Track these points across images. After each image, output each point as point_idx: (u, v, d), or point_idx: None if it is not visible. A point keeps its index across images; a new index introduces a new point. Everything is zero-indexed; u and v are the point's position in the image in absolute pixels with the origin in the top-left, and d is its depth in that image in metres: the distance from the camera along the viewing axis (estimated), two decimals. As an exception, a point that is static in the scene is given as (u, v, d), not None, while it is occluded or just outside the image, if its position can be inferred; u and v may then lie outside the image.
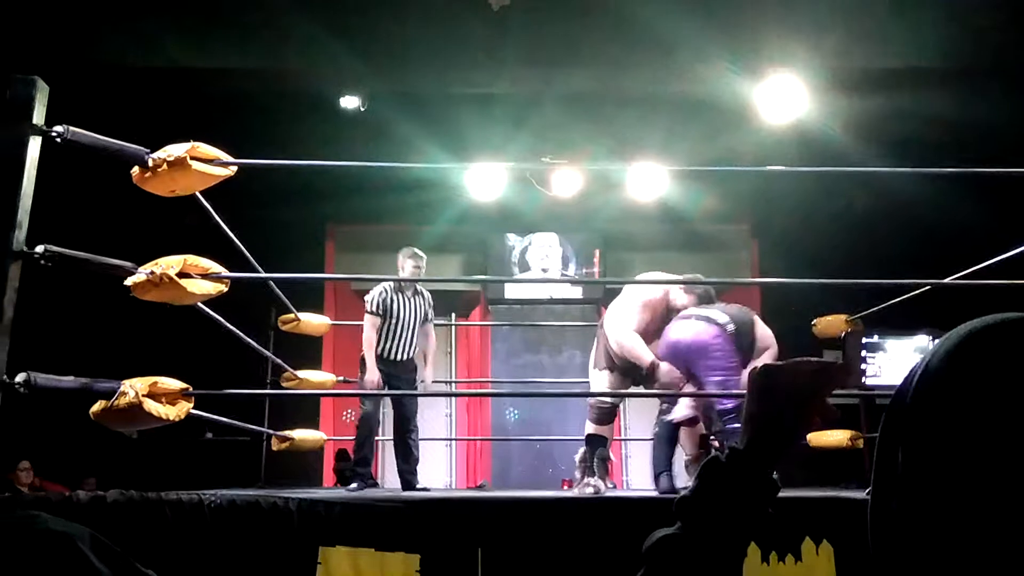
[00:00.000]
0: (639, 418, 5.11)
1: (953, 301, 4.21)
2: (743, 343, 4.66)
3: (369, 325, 5.52)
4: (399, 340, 5.58)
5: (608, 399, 4.87)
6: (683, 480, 4.83)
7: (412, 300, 5.63)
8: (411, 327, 5.61)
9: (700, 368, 4.60)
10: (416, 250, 5.64)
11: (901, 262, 5.78)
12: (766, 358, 4.63)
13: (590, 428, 4.90)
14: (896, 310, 5.10)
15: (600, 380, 4.95)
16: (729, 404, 4.46)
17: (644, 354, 4.72)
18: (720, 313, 4.71)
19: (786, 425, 0.96)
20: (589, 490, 4.61)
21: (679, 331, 4.69)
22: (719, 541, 0.93)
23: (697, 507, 0.95)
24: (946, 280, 4.59)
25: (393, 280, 5.64)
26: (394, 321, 5.55)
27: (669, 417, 4.81)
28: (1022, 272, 4.05)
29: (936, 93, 6.33)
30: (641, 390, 4.99)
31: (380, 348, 5.52)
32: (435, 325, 5.93)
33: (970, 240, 4.87)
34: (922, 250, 6.58)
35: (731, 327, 4.64)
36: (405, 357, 5.61)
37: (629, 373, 4.85)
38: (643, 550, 0.96)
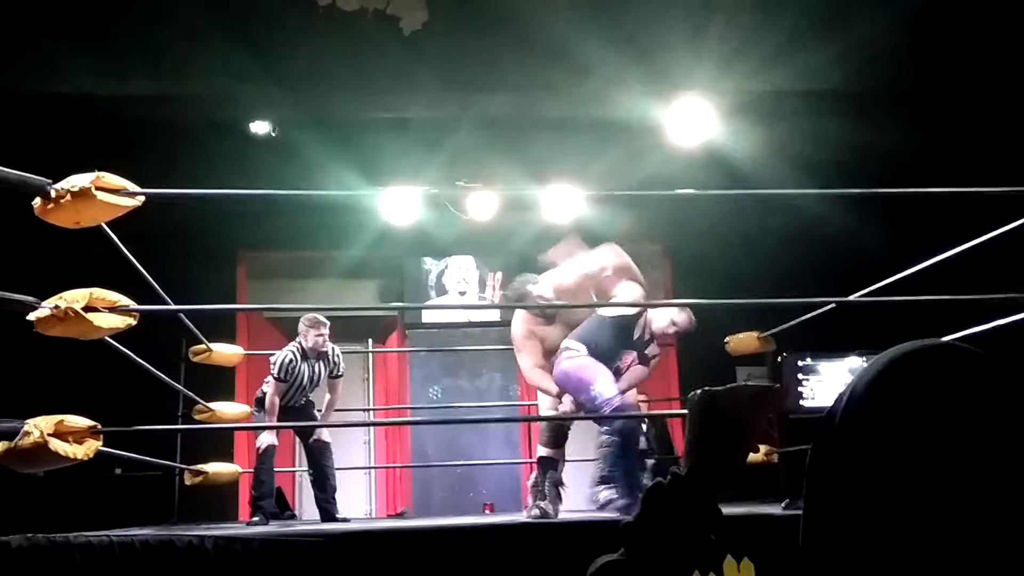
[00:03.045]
0: (572, 440, 5.09)
1: (876, 321, 4.36)
2: (606, 352, 4.78)
3: (273, 390, 5.54)
4: (298, 393, 5.68)
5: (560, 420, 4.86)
6: None
7: (315, 365, 5.68)
8: (313, 387, 5.74)
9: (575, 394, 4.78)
10: (319, 317, 5.63)
11: (810, 281, 5.93)
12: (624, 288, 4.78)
13: (542, 451, 4.85)
14: (825, 332, 5.22)
15: (544, 402, 5.00)
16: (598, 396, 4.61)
17: (549, 387, 4.85)
18: (576, 343, 4.82)
19: (727, 450, 0.97)
20: (536, 512, 4.58)
21: (559, 365, 4.82)
22: (663, 567, 0.93)
23: (640, 533, 0.95)
24: (850, 298, 4.74)
25: (299, 347, 5.64)
26: (296, 384, 5.62)
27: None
28: (923, 287, 4.22)
29: (839, 116, 6.55)
30: (554, 413, 4.97)
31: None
32: (352, 352, 5.90)
33: (875, 258, 5.03)
34: (830, 269, 6.78)
35: (585, 350, 4.77)
36: (304, 403, 5.76)
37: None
38: (586, 577, 0.95)
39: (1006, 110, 6.44)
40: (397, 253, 8.62)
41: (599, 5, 6.24)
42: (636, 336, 4.84)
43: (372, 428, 8.55)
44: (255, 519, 5.39)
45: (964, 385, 0.77)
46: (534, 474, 4.86)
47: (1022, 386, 0.76)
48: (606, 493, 4.57)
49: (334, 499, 5.64)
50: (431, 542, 3.39)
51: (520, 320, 4.99)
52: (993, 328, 3.80)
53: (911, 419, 0.76)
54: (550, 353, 4.89)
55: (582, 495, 4.81)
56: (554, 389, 4.81)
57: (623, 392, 4.84)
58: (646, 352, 4.92)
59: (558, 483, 4.74)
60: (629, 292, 4.76)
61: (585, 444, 5.73)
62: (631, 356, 4.87)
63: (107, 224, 3.37)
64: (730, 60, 6.27)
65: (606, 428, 4.73)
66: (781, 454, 5.30)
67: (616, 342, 4.80)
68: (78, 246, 4.41)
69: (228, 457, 6.62)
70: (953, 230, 4.07)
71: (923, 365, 0.79)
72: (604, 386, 4.62)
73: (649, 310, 4.85)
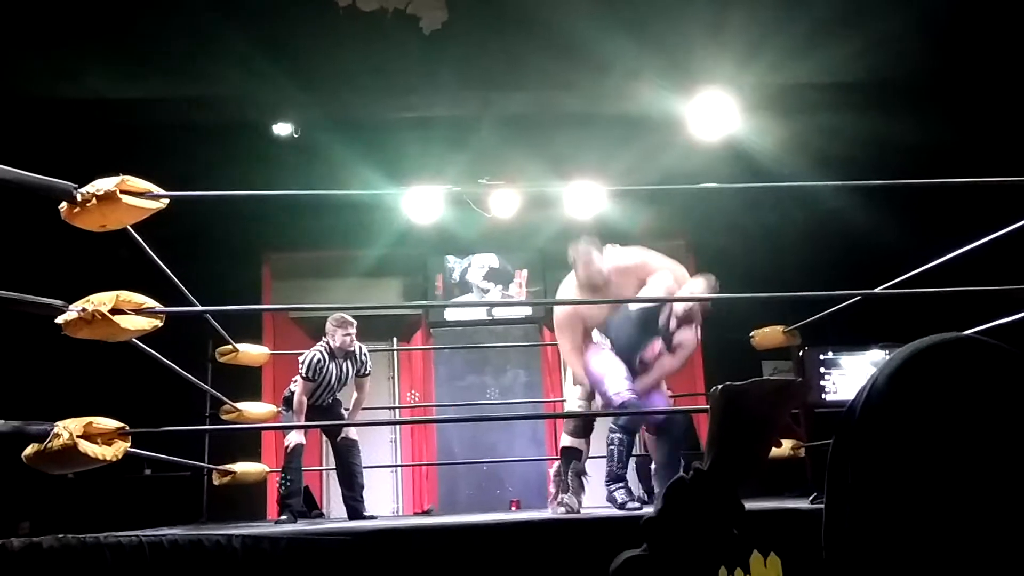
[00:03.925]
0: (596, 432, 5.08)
1: (898, 314, 4.32)
2: (627, 345, 4.77)
3: (301, 389, 5.56)
4: (327, 392, 5.70)
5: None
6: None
7: (343, 364, 5.70)
8: (341, 386, 5.75)
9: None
10: (346, 316, 5.65)
11: (830, 274, 5.89)
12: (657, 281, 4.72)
13: (565, 440, 4.82)
14: (846, 326, 5.18)
15: (573, 394, 5.00)
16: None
17: (582, 375, 4.86)
18: (602, 336, 4.85)
19: (750, 444, 0.97)
20: (562, 509, 4.57)
21: (586, 357, 4.82)
22: (686, 562, 0.93)
23: (663, 528, 0.95)
24: (876, 290, 4.70)
25: (326, 346, 5.67)
26: (324, 383, 5.64)
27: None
28: (945, 280, 4.17)
29: (859, 110, 6.51)
30: (582, 409, 4.97)
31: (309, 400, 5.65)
32: (377, 350, 5.92)
33: (895, 252, 4.99)
34: (850, 262, 6.72)
35: (608, 345, 4.80)
36: (331, 402, 5.77)
37: None
38: (610, 572, 0.96)
39: (1025, 104, 6.38)
40: (420, 251, 8.64)
41: (618, 1, 6.23)
42: (661, 323, 4.81)
43: (398, 426, 8.58)
44: (283, 518, 5.43)
45: (985, 379, 0.77)
46: (557, 463, 4.85)
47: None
48: (620, 494, 4.55)
49: (361, 497, 5.67)
50: (457, 539, 3.39)
51: (569, 287, 4.92)
52: (1017, 320, 3.76)
53: (932, 413, 0.76)
54: (591, 332, 4.88)
55: (603, 490, 4.80)
56: (585, 379, 4.82)
57: (654, 382, 4.84)
58: (672, 340, 4.87)
59: (581, 473, 4.73)
60: (660, 281, 4.73)
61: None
62: (657, 344, 4.83)
63: (132, 227, 3.40)
64: (750, 54, 6.25)
65: (612, 425, 4.72)
66: (808, 449, 5.27)
67: (639, 334, 4.78)
68: (104, 249, 4.46)
69: (256, 457, 6.66)
70: (973, 223, 4.03)
71: (944, 359, 0.79)
72: (613, 382, 4.63)
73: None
